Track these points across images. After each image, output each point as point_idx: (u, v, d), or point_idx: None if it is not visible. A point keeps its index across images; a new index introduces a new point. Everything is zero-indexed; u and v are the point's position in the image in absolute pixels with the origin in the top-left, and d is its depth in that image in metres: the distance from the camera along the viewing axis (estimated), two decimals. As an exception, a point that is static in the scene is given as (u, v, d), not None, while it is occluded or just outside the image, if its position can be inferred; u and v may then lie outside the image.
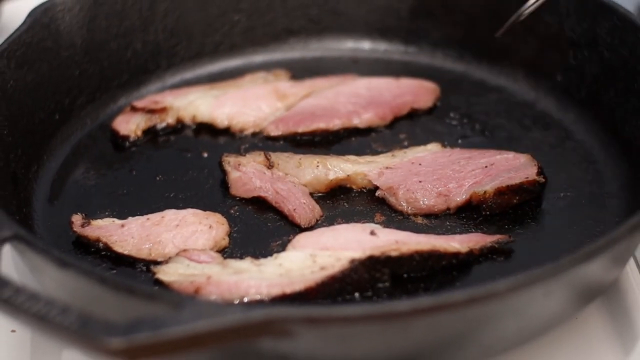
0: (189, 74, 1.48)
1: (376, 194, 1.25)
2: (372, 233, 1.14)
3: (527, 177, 1.22)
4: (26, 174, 1.26)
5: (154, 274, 1.12)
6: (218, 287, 1.08)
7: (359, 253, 1.11)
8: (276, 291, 1.08)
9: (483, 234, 1.18)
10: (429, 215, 1.23)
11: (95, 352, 0.89)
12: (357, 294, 1.11)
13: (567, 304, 1.06)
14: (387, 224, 1.21)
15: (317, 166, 1.26)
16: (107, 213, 1.23)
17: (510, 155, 1.27)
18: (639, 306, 1.14)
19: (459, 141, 1.35)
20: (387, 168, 1.26)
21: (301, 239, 1.16)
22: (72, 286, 1.02)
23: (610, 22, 1.33)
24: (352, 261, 1.10)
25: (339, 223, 1.21)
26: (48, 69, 1.33)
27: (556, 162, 1.30)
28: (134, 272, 1.16)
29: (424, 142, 1.33)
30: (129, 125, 1.36)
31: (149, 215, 1.21)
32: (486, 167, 1.25)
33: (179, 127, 1.38)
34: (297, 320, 0.93)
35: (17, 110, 1.27)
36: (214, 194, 1.27)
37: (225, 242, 1.19)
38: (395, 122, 1.39)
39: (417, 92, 1.42)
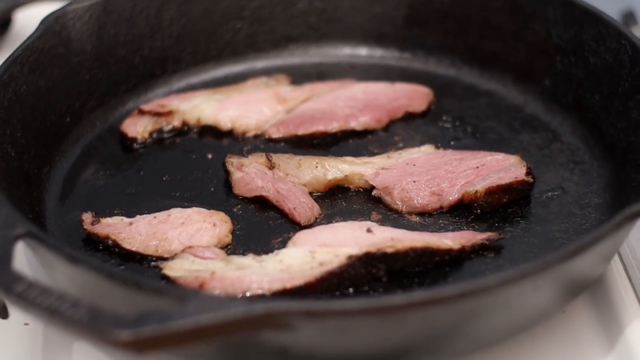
0: (194, 79, 1.48)
1: (372, 194, 1.25)
2: (369, 231, 1.14)
3: (517, 177, 1.22)
4: (39, 174, 1.26)
5: (160, 269, 1.12)
6: (222, 282, 1.08)
7: (356, 250, 1.11)
8: (277, 286, 1.07)
9: (474, 231, 1.18)
10: (422, 213, 1.23)
11: (105, 344, 0.89)
12: (354, 289, 1.11)
13: (554, 298, 1.06)
14: (383, 222, 1.21)
15: (316, 167, 1.26)
16: (115, 211, 1.23)
17: (500, 156, 1.27)
18: (623, 300, 1.14)
19: (452, 143, 1.35)
20: (382, 169, 1.26)
21: (301, 236, 1.16)
22: (82, 281, 1.02)
23: (595, 29, 1.33)
24: (350, 257, 1.10)
25: (337, 221, 1.21)
26: (59, 74, 1.33)
27: (544, 163, 1.30)
28: (142, 268, 1.15)
29: (418, 143, 1.33)
30: (137, 127, 1.36)
31: (156, 214, 1.21)
32: (477, 167, 1.25)
33: (184, 129, 1.38)
34: (297, 314, 0.93)
35: (30, 113, 1.27)
36: (217, 193, 1.27)
37: (228, 239, 1.19)
38: (391, 125, 1.39)
39: (412, 96, 1.42)
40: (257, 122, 1.38)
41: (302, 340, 0.97)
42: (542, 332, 1.12)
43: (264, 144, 1.36)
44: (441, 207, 1.23)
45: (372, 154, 1.32)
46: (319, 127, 1.37)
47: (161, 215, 1.20)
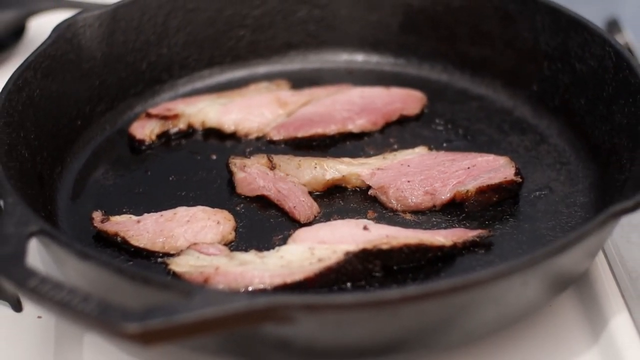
0: (199, 84, 1.48)
1: (369, 193, 1.25)
2: (365, 228, 1.14)
3: (506, 178, 1.22)
4: (51, 175, 1.26)
5: (167, 265, 1.12)
6: (225, 277, 1.08)
7: (353, 246, 1.11)
8: (278, 281, 1.07)
9: (465, 229, 1.18)
10: (416, 211, 1.23)
11: (114, 336, 0.89)
12: (351, 284, 1.11)
13: (542, 292, 1.06)
14: (378, 220, 1.21)
15: (315, 167, 1.26)
16: (124, 210, 1.23)
17: (490, 157, 1.27)
18: (607, 294, 1.14)
19: (444, 145, 1.35)
20: (378, 169, 1.26)
21: (301, 233, 1.16)
22: (92, 276, 1.02)
23: (581, 36, 1.33)
24: (347, 254, 1.10)
25: (335, 219, 1.21)
26: (71, 79, 1.33)
27: (532, 164, 1.30)
28: (149, 264, 1.15)
29: (412, 145, 1.32)
30: (145, 130, 1.36)
31: (163, 212, 1.21)
32: (468, 168, 1.25)
33: (189, 131, 1.38)
34: (297, 307, 0.93)
35: (43, 117, 1.27)
36: (221, 192, 1.27)
37: (231, 236, 1.19)
38: (386, 128, 1.39)
39: (406, 100, 1.42)
40: (259, 124, 1.38)
41: (302, 333, 0.97)
42: (530, 325, 1.12)
43: (266, 146, 1.36)
44: (434, 206, 1.23)
45: (368, 155, 1.32)
46: (318, 130, 1.37)
47: (167, 213, 1.20)
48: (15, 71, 1.24)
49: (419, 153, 1.30)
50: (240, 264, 1.10)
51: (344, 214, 1.22)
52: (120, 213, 1.22)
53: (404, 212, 1.23)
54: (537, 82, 1.40)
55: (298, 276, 1.08)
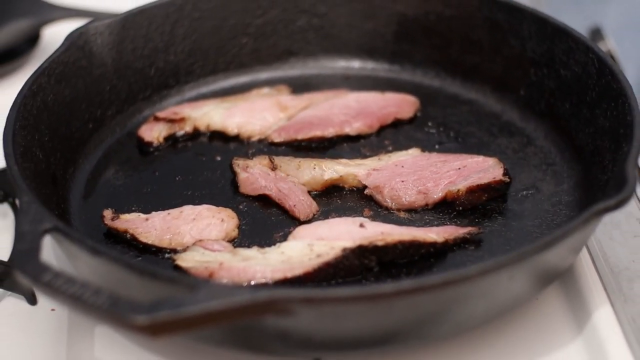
0: (204, 89, 1.48)
1: (365, 192, 1.25)
2: (361, 225, 1.14)
3: (495, 178, 1.22)
4: (64, 175, 1.26)
5: (173, 260, 1.12)
6: (229, 272, 1.08)
7: (350, 243, 1.11)
8: (279, 275, 1.07)
9: (456, 226, 1.18)
10: (410, 210, 1.23)
11: (123, 328, 0.89)
12: (348, 278, 1.11)
13: (528, 286, 1.06)
14: (374, 218, 1.21)
15: (314, 168, 1.26)
16: (133, 208, 1.23)
17: (480, 158, 1.27)
18: (590, 288, 1.14)
19: (436, 147, 1.35)
20: (374, 170, 1.26)
21: (300, 230, 1.16)
22: (103, 271, 1.02)
23: (566, 44, 1.33)
24: (344, 250, 1.10)
25: (333, 217, 1.21)
26: (83, 85, 1.33)
27: (519, 165, 1.30)
28: (157, 259, 1.15)
29: (406, 147, 1.32)
30: (153, 132, 1.36)
31: (170, 210, 1.20)
32: (459, 169, 1.25)
33: (195, 134, 1.38)
34: (297, 301, 0.93)
35: (56, 120, 1.27)
36: (225, 192, 1.27)
37: (235, 233, 1.19)
38: (381, 130, 1.39)
39: (400, 105, 1.42)
40: (260, 127, 1.38)
41: (301, 324, 0.97)
42: (518, 317, 1.12)
43: (267, 148, 1.36)
44: (427, 205, 1.23)
45: (364, 156, 1.32)
46: (317, 132, 1.37)
47: (174, 211, 1.20)
48: (30, 77, 1.24)
49: (412, 154, 1.30)
50: (243, 259, 1.10)
51: (341, 212, 1.22)
52: (129, 211, 1.22)
53: (398, 210, 1.23)
54: (524, 87, 1.40)
55: (298, 271, 1.08)
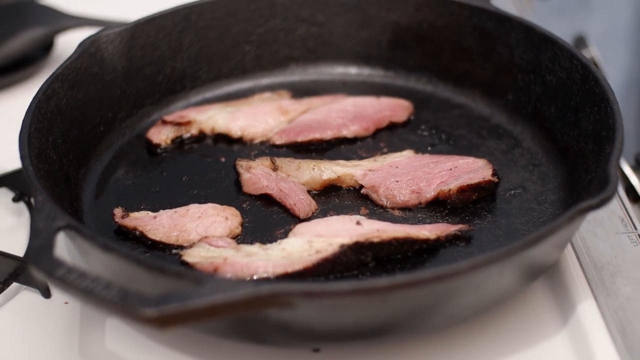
0: (209, 94, 1.48)
1: (361, 192, 1.25)
2: (358, 223, 1.14)
3: (484, 178, 1.22)
4: (76, 175, 1.26)
5: (180, 256, 1.12)
6: (233, 267, 1.08)
7: (347, 239, 1.11)
8: (280, 270, 1.07)
9: (448, 223, 1.18)
10: (404, 208, 1.22)
11: (133, 320, 0.89)
12: (345, 273, 1.11)
13: (516, 281, 1.06)
14: (370, 216, 1.21)
15: (313, 169, 1.26)
16: (142, 207, 1.23)
17: (470, 159, 1.27)
18: (575, 282, 1.14)
19: (429, 148, 1.35)
20: (370, 170, 1.26)
21: (300, 228, 1.16)
22: (113, 266, 1.01)
23: (552, 51, 1.33)
24: (342, 246, 1.10)
25: (331, 215, 1.21)
26: (94, 90, 1.33)
27: (507, 165, 1.30)
28: (164, 255, 1.15)
29: (400, 149, 1.32)
30: (160, 135, 1.36)
31: (177, 209, 1.20)
32: (450, 169, 1.25)
33: (200, 137, 1.38)
34: (297, 294, 0.93)
35: (69, 123, 1.26)
36: (229, 191, 1.27)
37: (238, 230, 1.19)
38: (377, 133, 1.39)
39: (395, 109, 1.42)
40: (263, 130, 1.38)
41: (301, 317, 0.97)
42: (506, 310, 1.12)
43: (269, 149, 1.36)
44: (420, 203, 1.23)
45: (360, 157, 1.32)
46: (316, 135, 1.36)
47: (181, 210, 1.20)
48: (45, 82, 1.24)
49: (406, 156, 1.30)
50: (246, 255, 1.10)
51: (339, 211, 1.22)
52: (138, 209, 1.22)
53: (393, 208, 1.22)
54: (512, 92, 1.40)
55: (298, 266, 1.08)
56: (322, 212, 1.22)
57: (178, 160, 1.34)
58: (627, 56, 3.14)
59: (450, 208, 1.22)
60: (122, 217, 1.19)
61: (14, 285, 1.17)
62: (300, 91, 1.47)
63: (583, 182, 1.19)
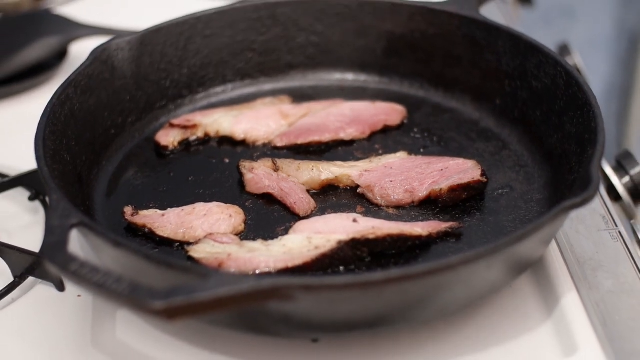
0: (214, 99, 1.48)
1: (357, 191, 1.25)
2: (355, 221, 1.14)
3: (473, 178, 1.22)
4: (89, 175, 1.26)
5: (187, 252, 1.12)
6: (236, 262, 1.08)
7: (344, 236, 1.11)
8: (281, 265, 1.07)
9: (439, 221, 1.18)
10: (398, 207, 1.22)
11: (142, 312, 0.89)
12: (343, 267, 1.11)
13: (504, 275, 1.06)
14: (366, 214, 1.21)
15: (312, 169, 1.26)
16: (151, 205, 1.23)
17: (460, 161, 1.27)
18: (559, 276, 1.14)
19: (421, 150, 1.35)
20: (366, 171, 1.26)
21: (300, 225, 1.16)
22: (124, 261, 1.02)
23: (537, 58, 1.33)
24: (339, 242, 1.10)
25: (329, 213, 1.21)
26: (105, 95, 1.33)
27: (495, 166, 1.30)
28: (172, 251, 1.15)
29: (394, 150, 1.32)
30: (168, 138, 1.36)
31: (183, 207, 1.20)
32: (442, 170, 1.25)
33: (206, 139, 1.38)
34: (297, 288, 0.93)
35: (82, 127, 1.27)
36: (233, 190, 1.27)
37: (241, 227, 1.19)
38: (372, 136, 1.39)
39: (389, 113, 1.42)
40: (265, 133, 1.38)
41: (301, 309, 0.97)
42: (494, 302, 1.12)
43: (270, 151, 1.36)
44: (413, 202, 1.23)
45: (357, 159, 1.32)
46: (315, 138, 1.37)
47: (188, 208, 1.20)
48: (59, 88, 1.24)
49: (400, 157, 1.30)
50: (249, 251, 1.10)
51: (336, 209, 1.22)
52: (147, 208, 1.22)
53: (388, 207, 1.23)
54: (499, 97, 1.40)
55: (298, 261, 1.08)
56: (320, 211, 1.22)
57: (185, 161, 1.34)
58: (608, 63, 3.14)
59: (441, 206, 1.22)
60: (132, 215, 1.19)
61: (30, 279, 1.17)
62: (300, 96, 1.47)
63: (567, 182, 1.19)
